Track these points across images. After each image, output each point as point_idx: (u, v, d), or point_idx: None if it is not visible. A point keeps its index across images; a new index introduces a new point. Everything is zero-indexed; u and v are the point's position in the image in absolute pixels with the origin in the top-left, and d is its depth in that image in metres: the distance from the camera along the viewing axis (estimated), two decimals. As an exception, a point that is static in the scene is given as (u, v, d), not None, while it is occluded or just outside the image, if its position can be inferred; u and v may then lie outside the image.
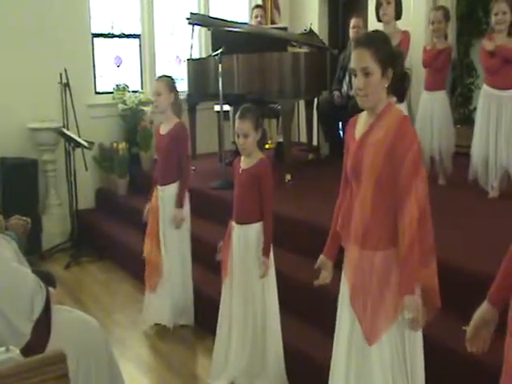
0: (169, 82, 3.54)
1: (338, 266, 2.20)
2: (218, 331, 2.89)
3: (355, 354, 1.99)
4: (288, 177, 4.69)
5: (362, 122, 2.03)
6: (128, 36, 6.08)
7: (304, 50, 5.45)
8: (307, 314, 3.12)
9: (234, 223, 2.84)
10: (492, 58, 3.99)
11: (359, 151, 1.97)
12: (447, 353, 2.44)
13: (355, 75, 1.93)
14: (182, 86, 5.84)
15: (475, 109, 4.52)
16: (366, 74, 1.89)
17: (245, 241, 2.78)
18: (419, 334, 1.99)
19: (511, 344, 1.55)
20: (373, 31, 2.24)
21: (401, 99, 2.04)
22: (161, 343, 3.50)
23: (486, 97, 4.11)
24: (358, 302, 1.98)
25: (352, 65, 1.94)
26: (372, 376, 1.95)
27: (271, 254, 2.81)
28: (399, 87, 2.00)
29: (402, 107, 2.27)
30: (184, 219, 3.55)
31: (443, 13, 4.40)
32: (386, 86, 1.92)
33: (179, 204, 3.50)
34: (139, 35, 6.14)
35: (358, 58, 1.91)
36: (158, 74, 5.16)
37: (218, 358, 2.88)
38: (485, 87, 4.13)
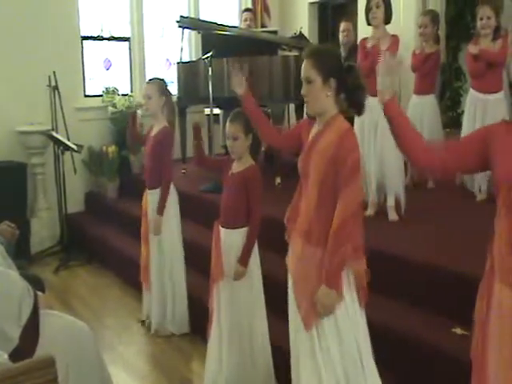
0: (160, 84, 3.52)
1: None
2: (209, 338, 2.83)
3: (300, 340, 2.12)
4: (278, 180, 4.70)
5: (316, 126, 2.15)
6: (117, 39, 6.06)
7: (294, 53, 5.47)
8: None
9: (219, 226, 2.80)
10: (476, 61, 4.02)
11: (307, 155, 2.11)
12: (436, 353, 2.46)
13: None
14: (172, 90, 5.83)
15: (464, 112, 4.56)
16: (308, 82, 2.05)
17: (229, 245, 2.75)
18: (363, 326, 2.09)
19: (479, 336, 1.65)
20: (322, 45, 2.37)
21: (359, 112, 2.13)
22: (152, 348, 3.48)
23: (471, 101, 4.15)
24: (298, 290, 2.13)
25: None
26: (317, 365, 2.05)
27: (257, 256, 2.80)
28: (354, 100, 2.09)
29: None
30: (161, 227, 3.47)
31: (430, 17, 4.44)
32: (329, 94, 2.04)
33: (159, 211, 3.45)
34: (129, 38, 6.13)
35: (303, 68, 2.08)
36: (148, 77, 5.13)
37: (210, 367, 2.82)
38: (471, 91, 4.17)
